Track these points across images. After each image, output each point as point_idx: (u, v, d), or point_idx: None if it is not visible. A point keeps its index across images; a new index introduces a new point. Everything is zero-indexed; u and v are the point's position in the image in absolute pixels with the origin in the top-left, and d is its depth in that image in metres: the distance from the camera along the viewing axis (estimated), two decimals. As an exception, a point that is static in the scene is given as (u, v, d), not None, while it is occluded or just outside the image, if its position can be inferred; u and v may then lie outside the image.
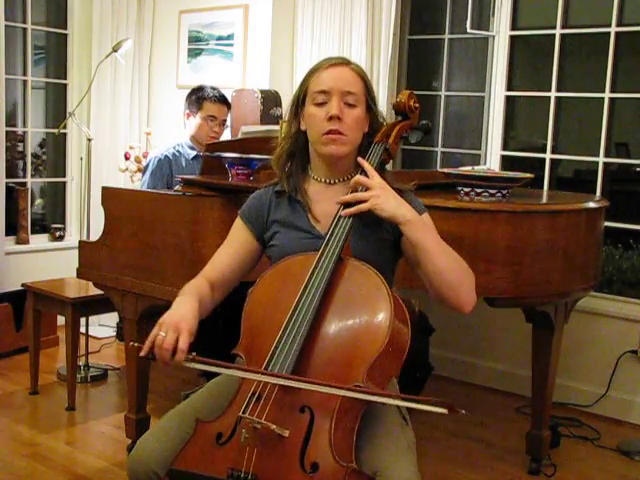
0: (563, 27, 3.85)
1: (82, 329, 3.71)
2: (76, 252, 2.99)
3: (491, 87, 4.08)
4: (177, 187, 2.74)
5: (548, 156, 3.92)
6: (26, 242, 4.72)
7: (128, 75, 4.77)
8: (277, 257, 1.77)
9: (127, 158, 4.25)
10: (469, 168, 3.30)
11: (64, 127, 4.46)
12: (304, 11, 4.20)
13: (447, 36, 4.35)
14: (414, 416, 1.82)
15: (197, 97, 3.45)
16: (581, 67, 4.23)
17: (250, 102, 3.99)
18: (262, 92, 4.01)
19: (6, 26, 4.41)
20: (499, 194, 2.67)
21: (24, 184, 4.77)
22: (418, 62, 4.50)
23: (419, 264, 1.70)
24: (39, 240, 4.84)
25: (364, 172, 1.72)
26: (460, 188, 2.76)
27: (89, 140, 4.05)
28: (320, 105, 1.74)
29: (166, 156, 3.40)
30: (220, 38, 4.52)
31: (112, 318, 4.49)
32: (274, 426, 1.47)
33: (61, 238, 4.90)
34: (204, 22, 4.59)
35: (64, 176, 5.01)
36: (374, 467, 1.55)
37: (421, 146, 4.21)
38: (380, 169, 1.76)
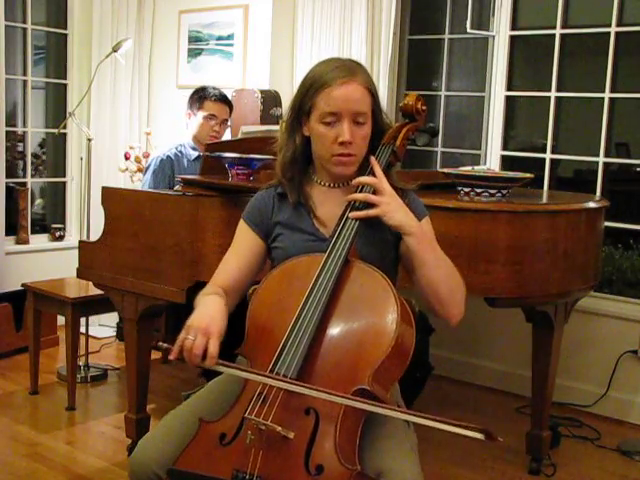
0: (563, 27, 3.85)
1: (82, 329, 3.71)
2: (76, 252, 2.99)
3: (491, 87, 4.08)
4: (177, 187, 2.74)
5: (548, 156, 3.92)
6: (26, 242, 4.72)
7: (128, 75, 4.77)
8: (281, 260, 1.76)
9: (127, 158, 4.25)
10: (469, 168, 3.30)
11: (64, 127, 4.46)
12: (304, 11, 4.20)
13: (447, 36, 4.35)
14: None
15: (198, 97, 3.45)
16: (581, 67, 4.23)
17: (250, 102, 3.99)
18: (262, 92, 4.02)
19: (6, 26, 4.41)
20: (499, 194, 2.67)
21: (24, 184, 4.77)
22: (418, 62, 4.50)
23: (414, 273, 1.71)
24: (39, 240, 4.85)
25: (371, 172, 1.72)
26: (460, 188, 2.76)
27: (89, 140, 4.05)
28: (329, 124, 1.71)
29: (168, 156, 3.40)
30: (220, 38, 4.52)
31: (112, 318, 4.50)
32: (279, 428, 1.46)
33: (61, 238, 4.90)
34: (204, 22, 4.59)
35: (64, 176, 5.01)
36: (377, 469, 1.54)
37: (421, 146, 4.20)
38: (387, 171, 1.76)
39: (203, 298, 1.66)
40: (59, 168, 5.03)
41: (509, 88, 4.06)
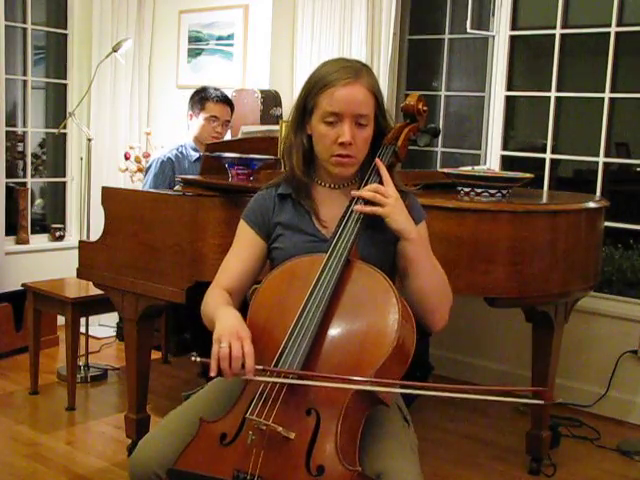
0: (563, 27, 3.85)
1: (82, 329, 3.71)
2: (76, 252, 2.99)
3: (491, 87, 4.08)
4: (177, 187, 2.74)
5: (548, 156, 3.92)
6: (26, 242, 4.72)
7: (128, 75, 4.77)
8: (281, 260, 1.76)
9: (127, 158, 4.25)
10: (469, 168, 3.30)
11: (64, 127, 4.46)
12: (304, 11, 4.20)
13: (447, 36, 4.35)
14: (414, 416, 1.82)
15: (200, 98, 3.45)
16: (581, 67, 4.23)
17: (250, 102, 3.99)
18: (262, 92, 4.02)
19: (6, 26, 4.41)
20: (499, 194, 2.67)
21: (24, 184, 4.77)
22: (418, 62, 4.50)
23: (406, 277, 1.71)
24: (39, 240, 4.85)
25: (374, 172, 1.73)
26: (460, 188, 2.76)
27: (89, 140, 4.05)
28: (330, 124, 1.71)
29: (169, 158, 3.40)
30: (220, 38, 4.52)
31: (112, 318, 4.50)
32: (280, 428, 1.46)
33: (61, 238, 4.90)
34: (204, 22, 4.59)
35: (64, 176, 5.01)
36: (377, 469, 1.54)
37: (423, 146, 4.20)
38: (389, 172, 1.75)
39: (218, 311, 1.64)
40: (59, 168, 5.03)
41: (509, 88, 4.06)
